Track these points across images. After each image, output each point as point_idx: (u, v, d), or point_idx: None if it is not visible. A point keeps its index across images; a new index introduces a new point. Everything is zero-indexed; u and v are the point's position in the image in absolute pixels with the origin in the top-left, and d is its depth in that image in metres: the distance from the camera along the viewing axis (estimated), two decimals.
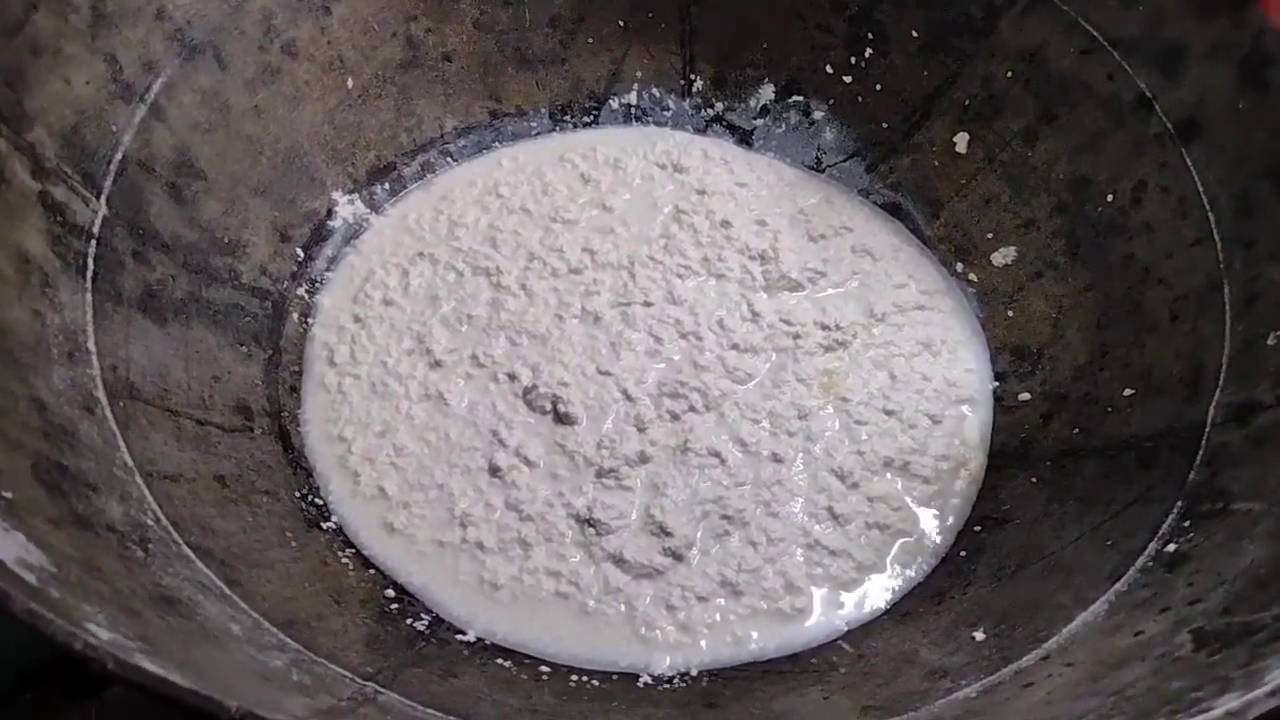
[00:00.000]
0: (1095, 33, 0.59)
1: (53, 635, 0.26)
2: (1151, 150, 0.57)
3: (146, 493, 0.45)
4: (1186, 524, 0.45)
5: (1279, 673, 0.32)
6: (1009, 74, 0.64)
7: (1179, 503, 0.46)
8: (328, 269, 0.65)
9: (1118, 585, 0.44)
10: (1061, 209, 0.62)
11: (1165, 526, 0.45)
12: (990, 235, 0.66)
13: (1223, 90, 0.54)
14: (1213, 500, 0.45)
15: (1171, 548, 0.44)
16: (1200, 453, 0.47)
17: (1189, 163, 0.55)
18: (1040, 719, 0.39)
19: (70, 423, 0.43)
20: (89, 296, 0.49)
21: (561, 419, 0.56)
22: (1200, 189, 0.55)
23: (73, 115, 0.51)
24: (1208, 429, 0.48)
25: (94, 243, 0.51)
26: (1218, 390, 0.49)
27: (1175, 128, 0.56)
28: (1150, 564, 0.44)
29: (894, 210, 0.70)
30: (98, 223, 0.51)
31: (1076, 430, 0.55)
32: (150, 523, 0.43)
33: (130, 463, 0.45)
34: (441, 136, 0.72)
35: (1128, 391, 0.54)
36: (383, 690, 0.43)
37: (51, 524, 0.37)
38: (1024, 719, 0.39)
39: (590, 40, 0.73)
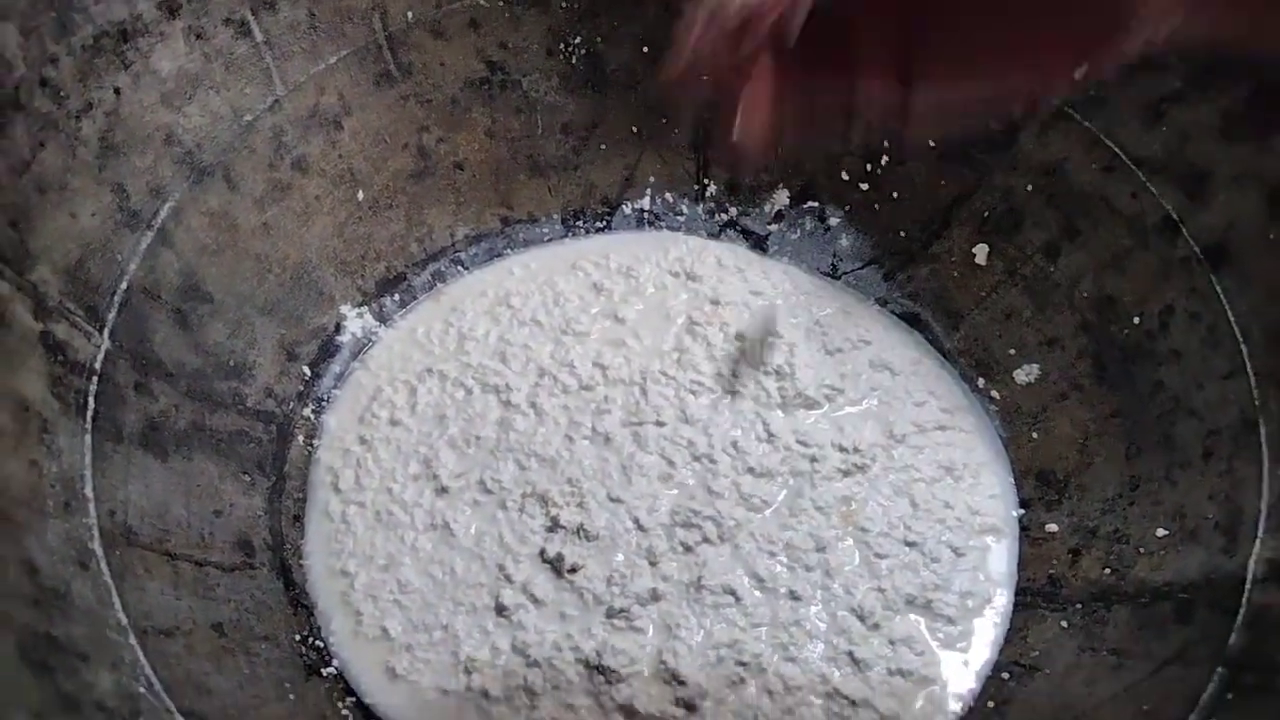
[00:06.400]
0: (1118, 150, 0.58)
1: None
2: (1179, 274, 0.55)
3: (140, 654, 0.43)
4: (1229, 696, 0.42)
5: None
6: (1029, 187, 0.63)
7: (1219, 669, 0.43)
8: (335, 386, 0.64)
9: None
10: (1086, 328, 0.60)
11: (1206, 697, 0.43)
12: (1012, 351, 0.64)
13: (1252, 218, 0.52)
14: (1258, 670, 0.42)
15: None
16: (1241, 613, 0.45)
17: (1219, 290, 0.53)
18: None
19: (63, 584, 0.42)
20: (89, 438, 0.48)
21: (571, 569, 0.54)
22: (1231, 319, 0.52)
23: (77, 249, 0.50)
24: (1248, 586, 0.46)
25: (95, 379, 0.50)
26: (1257, 541, 0.47)
27: (1203, 252, 0.54)
28: None
29: (913, 320, 0.68)
30: (100, 358, 0.50)
31: (1107, 570, 0.53)
32: (142, 690, 0.42)
33: (124, 621, 0.44)
34: (453, 245, 0.71)
35: (1160, 532, 0.52)
36: None
37: (35, 718, 0.35)
38: None
39: (603, 146, 0.73)
